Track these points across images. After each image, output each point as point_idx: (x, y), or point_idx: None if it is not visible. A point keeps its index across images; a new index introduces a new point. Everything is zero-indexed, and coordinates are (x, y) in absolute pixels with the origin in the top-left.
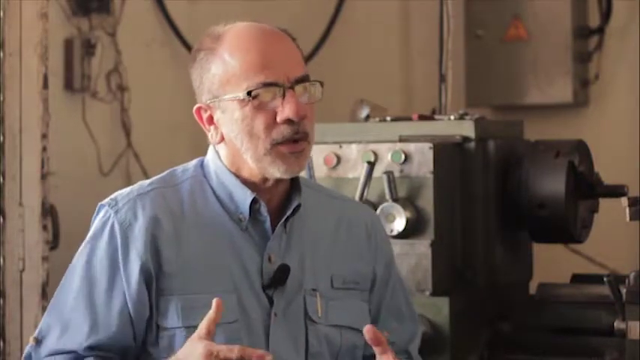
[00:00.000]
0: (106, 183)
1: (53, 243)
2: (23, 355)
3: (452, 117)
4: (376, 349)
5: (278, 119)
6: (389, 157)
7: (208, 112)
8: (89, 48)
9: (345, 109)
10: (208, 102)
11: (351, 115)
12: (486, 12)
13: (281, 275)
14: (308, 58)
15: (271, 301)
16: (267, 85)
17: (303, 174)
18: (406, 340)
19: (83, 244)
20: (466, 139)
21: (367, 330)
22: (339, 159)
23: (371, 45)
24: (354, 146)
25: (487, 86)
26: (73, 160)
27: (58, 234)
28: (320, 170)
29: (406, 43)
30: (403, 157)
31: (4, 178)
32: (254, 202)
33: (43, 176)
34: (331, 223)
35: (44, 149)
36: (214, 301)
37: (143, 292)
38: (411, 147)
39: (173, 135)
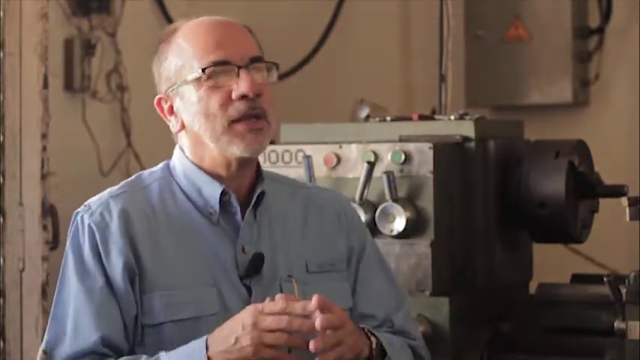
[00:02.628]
0: (106, 183)
1: (53, 243)
2: None
3: (452, 117)
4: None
5: (233, 96)
6: (389, 157)
7: (169, 103)
8: (89, 48)
9: (345, 109)
10: (167, 91)
11: (351, 115)
12: (486, 12)
13: (256, 264)
14: (308, 58)
15: (250, 291)
16: (219, 63)
17: (302, 174)
18: (388, 312)
19: (66, 253)
20: (466, 139)
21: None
22: (339, 159)
23: (371, 45)
24: (354, 146)
25: (487, 86)
26: (73, 160)
27: (58, 234)
28: (320, 170)
29: (406, 43)
30: (403, 157)
31: (4, 178)
32: (223, 194)
33: (43, 176)
34: (299, 211)
35: (44, 149)
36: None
37: (129, 289)
38: (411, 147)
39: (173, 135)
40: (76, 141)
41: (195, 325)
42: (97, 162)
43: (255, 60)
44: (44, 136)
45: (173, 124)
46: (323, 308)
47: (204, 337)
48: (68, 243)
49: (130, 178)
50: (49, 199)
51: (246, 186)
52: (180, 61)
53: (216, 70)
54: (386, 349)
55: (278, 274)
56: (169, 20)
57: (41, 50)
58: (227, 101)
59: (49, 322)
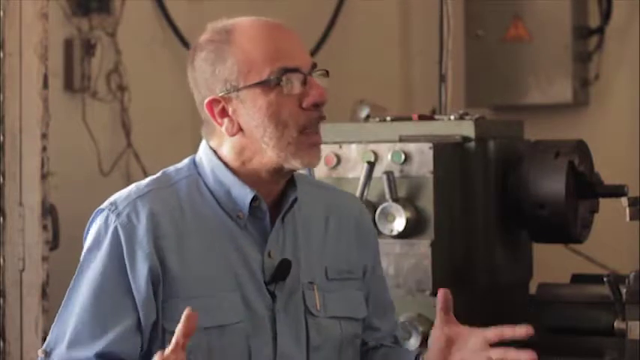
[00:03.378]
0: (106, 183)
1: (53, 243)
2: None
3: (452, 117)
4: (443, 316)
5: (304, 105)
6: (389, 157)
7: (221, 105)
8: (89, 48)
9: (345, 109)
10: (223, 93)
11: (351, 115)
12: (486, 12)
13: (283, 270)
14: None
15: (274, 297)
16: (290, 70)
17: (302, 173)
18: (392, 327)
19: (85, 251)
20: (466, 139)
21: (442, 294)
22: (339, 159)
23: (371, 45)
24: (354, 146)
25: (487, 86)
26: (73, 160)
27: (58, 234)
28: (320, 170)
29: (406, 43)
30: (403, 157)
31: (4, 178)
32: (254, 199)
33: (43, 176)
34: (321, 214)
35: (44, 149)
36: (185, 312)
37: (151, 295)
38: (411, 147)
39: (173, 135)
40: (76, 141)
41: (221, 334)
42: (97, 162)
43: (314, 67)
44: (44, 136)
45: (228, 127)
46: None
47: None
48: (89, 242)
49: (155, 175)
50: (49, 199)
51: (278, 191)
52: (246, 65)
53: (288, 78)
54: None
55: (300, 280)
56: (169, 20)
57: (41, 50)
58: (297, 109)
59: (55, 319)
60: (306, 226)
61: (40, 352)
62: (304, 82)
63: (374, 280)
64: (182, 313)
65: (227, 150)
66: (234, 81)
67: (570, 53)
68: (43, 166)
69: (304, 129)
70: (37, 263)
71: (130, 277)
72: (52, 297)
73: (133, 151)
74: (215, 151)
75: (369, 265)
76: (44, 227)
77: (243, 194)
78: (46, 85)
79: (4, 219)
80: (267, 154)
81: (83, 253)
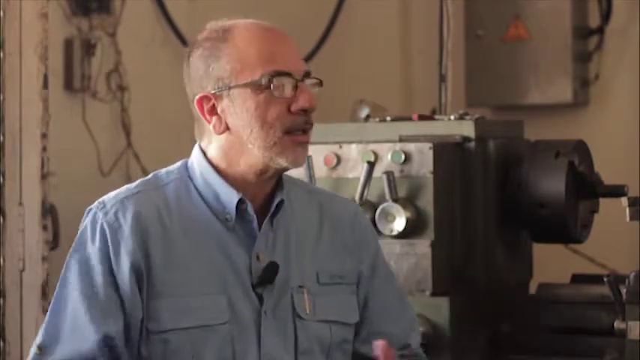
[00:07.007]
0: (106, 183)
1: (53, 243)
2: None
3: (452, 117)
4: None
5: (292, 109)
6: (389, 157)
7: (211, 102)
8: (89, 48)
9: (345, 109)
10: (215, 91)
11: (351, 115)
12: (486, 12)
13: (270, 273)
14: (308, 58)
15: (261, 300)
16: (283, 74)
17: (303, 174)
18: (404, 332)
19: (73, 248)
20: (466, 139)
21: (377, 346)
22: (339, 159)
23: (371, 45)
24: (354, 146)
25: (487, 86)
26: (73, 160)
27: (58, 234)
28: (320, 170)
29: (406, 43)
30: (403, 157)
31: (4, 178)
32: (240, 202)
33: (43, 176)
34: (315, 218)
35: (44, 149)
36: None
37: (135, 291)
38: (411, 147)
39: (173, 135)
40: (76, 141)
41: (205, 334)
42: (97, 162)
43: (308, 75)
44: (44, 136)
45: (215, 125)
46: None
47: None
48: (76, 240)
49: (147, 177)
50: (49, 199)
51: (266, 193)
52: (240, 65)
53: (279, 81)
54: None
55: (290, 284)
56: (169, 20)
57: (41, 50)
58: (285, 112)
59: (46, 318)
60: (299, 231)
61: (34, 348)
62: (295, 87)
63: (373, 283)
64: (165, 313)
65: (215, 149)
66: (227, 79)
67: (570, 53)
68: (43, 166)
69: (289, 131)
70: (37, 263)
71: (116, 273)
72: (52, 297)
73: (132, 151)
74: (205, 153)
75: (366, 267)
76: (44, 227)
77: (230, 197)
78: (46, 85)
79: (4, 219)
80: (254, 154)
81: (70, 251)
